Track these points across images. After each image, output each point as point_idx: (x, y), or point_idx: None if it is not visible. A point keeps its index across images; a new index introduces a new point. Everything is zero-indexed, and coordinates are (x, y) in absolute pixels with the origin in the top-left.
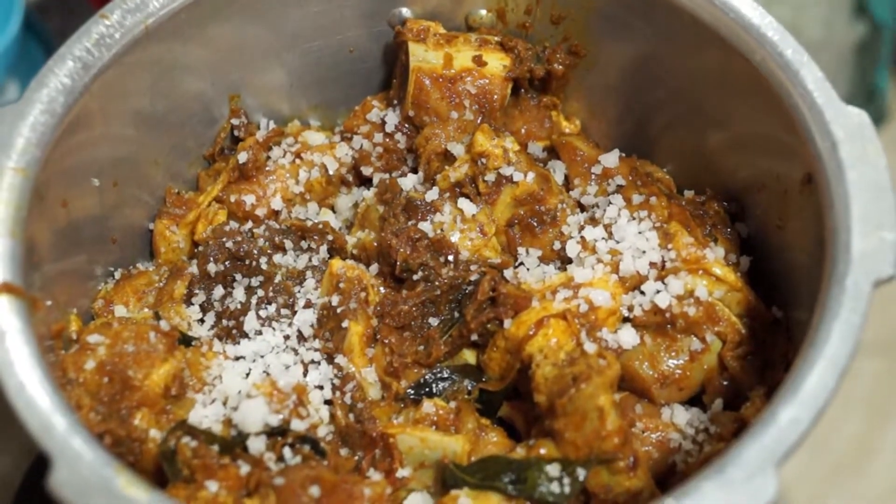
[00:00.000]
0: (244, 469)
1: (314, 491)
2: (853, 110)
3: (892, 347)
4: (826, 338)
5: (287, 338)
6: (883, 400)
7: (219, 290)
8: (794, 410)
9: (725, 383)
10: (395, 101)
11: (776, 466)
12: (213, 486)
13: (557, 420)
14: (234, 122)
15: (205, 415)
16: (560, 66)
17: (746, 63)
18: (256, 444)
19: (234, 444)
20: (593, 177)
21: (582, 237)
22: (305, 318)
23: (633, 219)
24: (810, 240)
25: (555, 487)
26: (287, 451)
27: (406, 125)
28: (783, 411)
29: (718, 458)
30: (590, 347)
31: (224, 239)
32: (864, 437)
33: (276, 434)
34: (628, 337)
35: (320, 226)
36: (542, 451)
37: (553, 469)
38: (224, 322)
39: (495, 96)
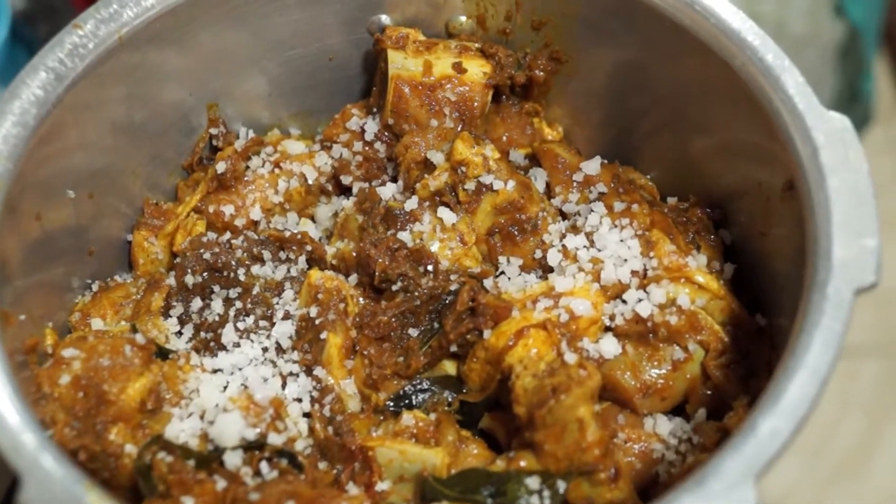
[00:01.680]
0: (220, 484)
1: None
2: (835, 115)
3: (891, 350)
4: (807, 346)
5: (265, 350)
6: (883, 402)
7: (197, 303)
8: (774, 421)
9: (709, 393)
10: (375, 110)
11: (756, 478)
12: (188, 501)
13: (537, 432)
14: (213, 131)
15: (182, 429)
16: (541, 73)
17: (727, 68)
18: (233, 459)
19: (210, 458)
20: (575, 184)
21: (563, 245)
22: (284, 330)
23: (615, 227)
24: (792, 247)
25: (535, 500)
26: (264, 466)
27: (386, 133)
28: (763, 422)
29: (698, 470)
30: (570, 358)
31: (202, 250)
32: (864, 440)
33: (253, 448)
34: (610, 346)
35: (299, 236)
36: (522, 464)
37: (533, 482)
38: (202, 334)
39: (475, 103)
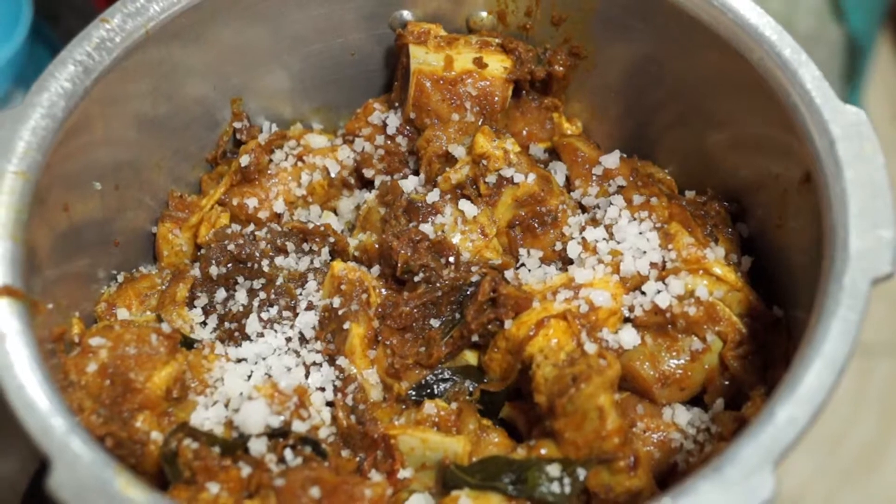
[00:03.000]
0: (245, 471)
1: (314, 492)
2: (851, 109)
3: None
4: (824, 336)
5: (289, 340)
6: None
7: (221, 293)
8: (791, 409)
9: (726, 383)
10: (397, 104)
11: (773, 465)
12: (214, 487)
13: (558, 420)
14: (237, 125)
15: (206, 417)
16: (561, 68)
17: (744, 63)
18: (257, 446)
19: (235, 445)
20: (594, 178)
21: (583, 238)
22: (307, 321)
23: (634, 219)
24: (809, 239)
25: (555, 487)
26: (288, 453)
27: (407, 127)
28: (781, 410)
29: (716, 458)
30: (590, 348)
31: (226, 242)
32: (877, 438)
33: (278, 436)
34: (629, 337)
35: (322, 228)
36: (543, 452)
37: (553, 469)
38: (226, 324)
39: (496, 98)
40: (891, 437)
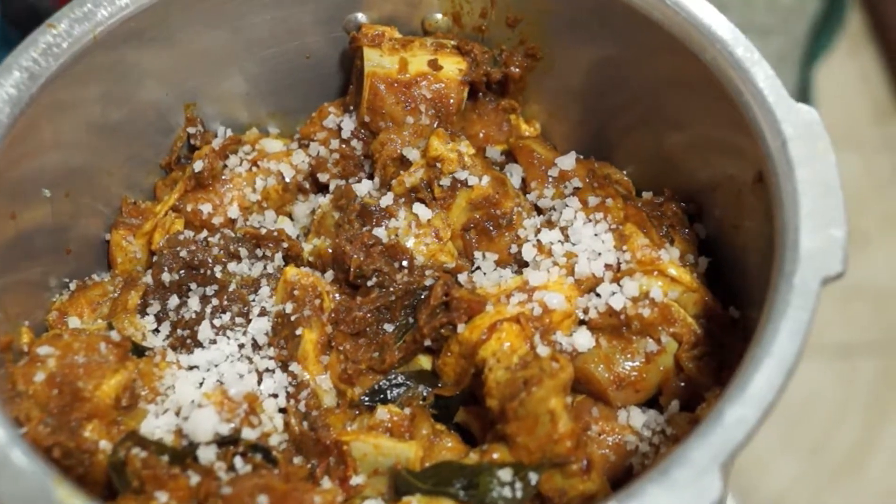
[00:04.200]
0: (194, 479)
1: (262, 500)
2: (803, 107)
3: (889, 348)
4: (773, 336)
5: (241, 346)
6: (881, 401)
7: (174, 300)
8: (740, 410)
9: (682, 385)
10: (352, 107)
11: (722, 467)
12: (162, 496)
13: (509, 424)
14: (191, 130)
15: (157, 425)
16: (517, 69)
17: (698, 63)
18: (206, 454)
19: (184, 454)
20: (550, 179)
21: (538, 240)
22: (260, 327)
23: (589, 221)
24: (763, 239)
25: (507, 492)
26: (238, 461)
27: (362, 131)
28: (729, 411)
29: (664, 460)
30: (543, 351)
31: (178, 248)
32: (862, 439)
33: (228, 443)
34: (583, 340)
35: (275, 233)
36: (495, 456)
37: (505, 474)
38: (178, 331)
39: (451, 100)
40: (876, 437)
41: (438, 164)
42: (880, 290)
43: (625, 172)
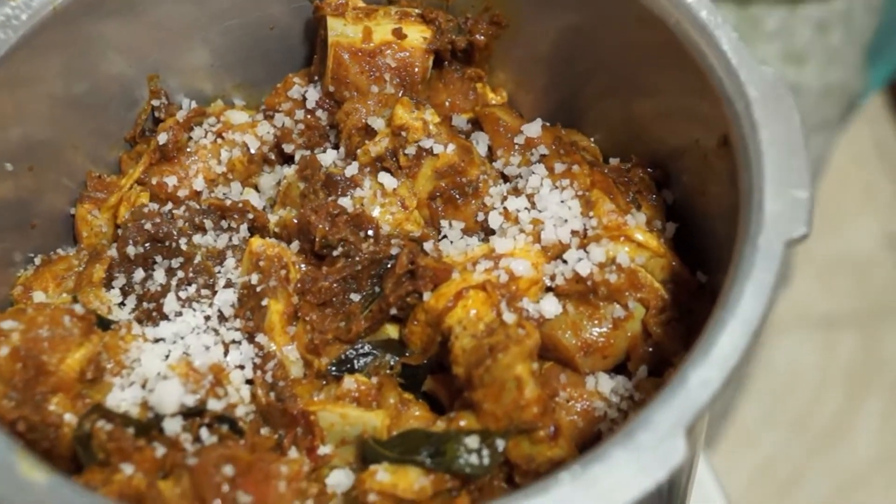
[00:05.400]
0: (160, 451)
1: (228, 470)
2: (767, 70)
3: (869, 320)
4: (738, 298)
5: (208, 318)
6: (861, 373)
7: (139, 273)
8: (705, 372)
9: (650, 350)
10: (317, 78)
11: (686, 429)
12: (128, 468)
13: (476, 391)
14: (155, 102)
15: (123, 398)
16: (482, 37)
17: (663, 27)
18: (172, 426)
19: (150, 426)
20: (516, 147)
21: (504, 208)
22: (226, 298)
23: (556, 188)
24: (729, 204)
25: (473, 459)
26: (204, 432)
27: (327, 101)
28: (693, 373)
29: (628, 423)
30: (509, 317)
31: (143, 221)
32: (843, 411)
33: (194, 415)
34: (550, 306)
35: (240, 204)
36: (462, 423)
37: (472, 441)
38: (144, 304)
39: (416, 69)
40: (856, 410)
41: (403, 133)
42: (860, 262)
43: (592, 140)
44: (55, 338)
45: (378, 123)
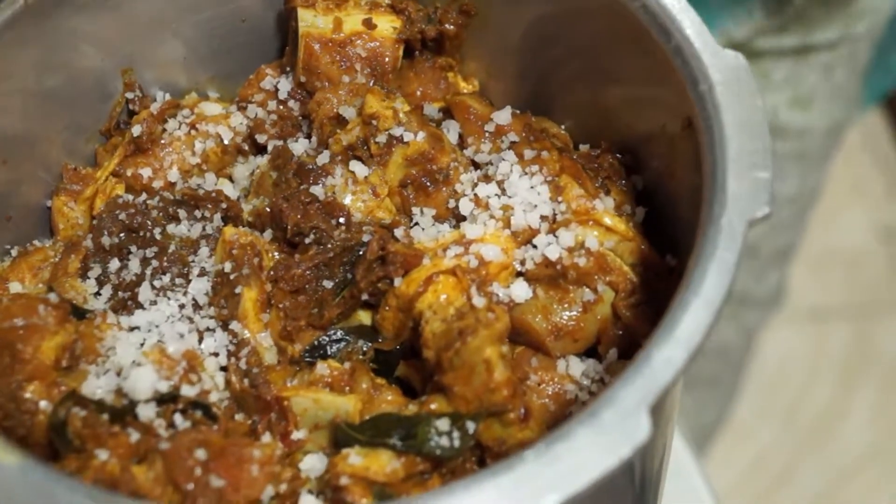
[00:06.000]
0: (134, 437)
1: (200, 454)
2: (730, 53)
3: (860, 313)
4: (701, 278)
5: (182, 307)
6: (852, 365)
7: (115, 263)
8: (668, 351)
9: (620, 333)
10: (289, 69)
11: (649, 408)
12: (103, 454)
13: (446, 374)
14: (129, 95)
15: (98, 386)
16: (451, 27)
17: (627, 12)
18: (146, 412)
19: (124, 412)
20: (487, 134)
21: (475, 194)
22: (200, 287)
23: (525, 174)
24: (695, 186)
25: (444, 441)
26: (178, 417)
27: (299, 91)
28: (657, 353)
29: (592, 403)
30: (479, 302)
31: (117, 211)
32: (835, 403)
33: (168, 401)
34: (520, 290)
35: (213, 194)
36: (433, 407)
37: (443, 423)
38: (119, 294)
39: (387, 59)
40: (847, 400)
41: (374, 122)
42: (851, 254)
43: (563, 127)
44: (30, 326)
45: (349, 113)
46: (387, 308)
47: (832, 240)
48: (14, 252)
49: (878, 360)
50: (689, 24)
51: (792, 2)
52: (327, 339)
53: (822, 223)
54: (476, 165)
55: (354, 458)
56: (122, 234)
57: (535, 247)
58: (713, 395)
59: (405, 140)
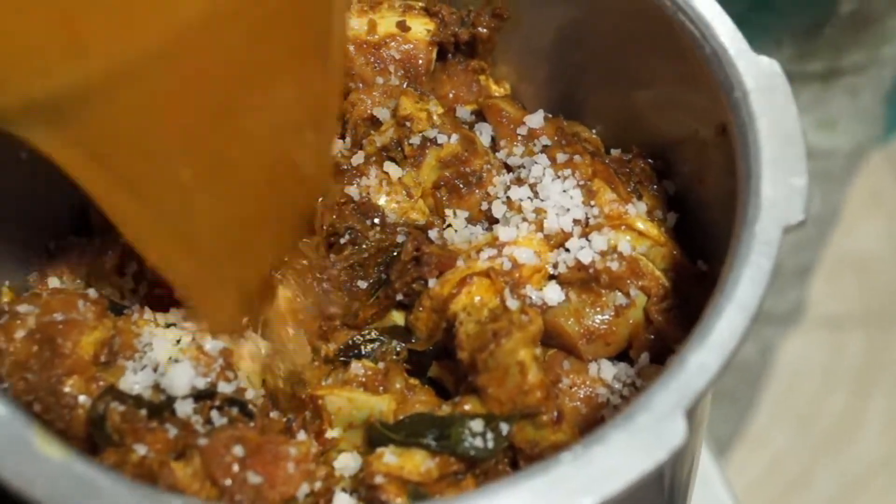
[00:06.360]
0: (172, 432)
1: (238, 450)
2: (765, 59)
3: (876, 320)
4: (735, 283)
5: None
6: (868, 372)
7: None
8: (703, 356)
9: (651, 337)
10: None
11: (684, 411)
12: (142, 449)
13: (480, 376)
14: None
15: (135, 381)
16: (485, 30)
17: (660, 17)
18: (184, 408)
19: (162, 407)
20: (519, 138)
21: (508, 197)
22: None
23: (558, 177)
24: (727, 192)
25: (478, 442)
26: (215, 414)
27: None
28: (692, 357)
29: (628, 406)
30: (512, 304)
31: None
32: (850, 410)
33: (205, 397)
34: (553, 294)
35: None
36: (467, 408)
37: (476, 424)
38: (156, 291)
39: (420, 61)
40: (863, 408)
41: (408, 124)
42: (867, 262)
43: (594, 131)
44: (69, 321)
45: (383, 114)
46: (421, 309)
47: (848, 248)
48: (52, 247)
49: (892, 368)
50: (724, 31)
51: (822, 33)
52: (362, 338)
53: (838, 231)
54: (508, 168)
55: (390, 457)
56: None
57: (567, 250)
58: (729, 410)
59: (439, 142)
